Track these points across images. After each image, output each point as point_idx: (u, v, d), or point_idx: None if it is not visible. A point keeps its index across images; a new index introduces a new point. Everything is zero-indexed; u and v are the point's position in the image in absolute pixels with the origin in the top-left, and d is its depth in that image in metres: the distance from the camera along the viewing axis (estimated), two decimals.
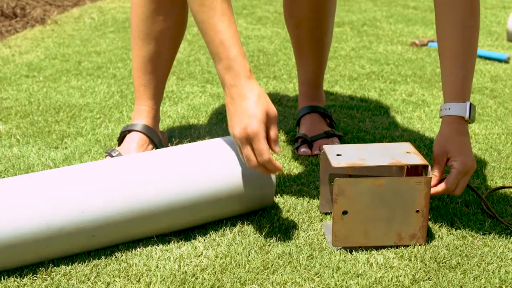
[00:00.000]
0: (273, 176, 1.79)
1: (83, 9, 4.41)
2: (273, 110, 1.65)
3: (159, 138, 2.18)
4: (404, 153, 1.75)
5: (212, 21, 1.66)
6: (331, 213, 1.83)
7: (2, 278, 1.58)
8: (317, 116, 2.33)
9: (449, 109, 1.77)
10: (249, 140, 1.62)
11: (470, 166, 1.74)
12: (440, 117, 1.80)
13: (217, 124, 2.44)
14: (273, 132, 1.66)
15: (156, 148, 2.16)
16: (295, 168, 2.10)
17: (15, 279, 1.58)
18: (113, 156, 2.10)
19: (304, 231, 1.77)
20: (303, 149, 2.22)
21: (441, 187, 1.75)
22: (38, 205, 1.58)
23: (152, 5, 2.08)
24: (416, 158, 1.72)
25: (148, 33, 2.12)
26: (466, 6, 1.77)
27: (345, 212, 1.67)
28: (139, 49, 2.15)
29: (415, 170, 1.77)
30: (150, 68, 2.17)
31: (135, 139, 2.15)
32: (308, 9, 2.23)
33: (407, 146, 1.79)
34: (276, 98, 2.67)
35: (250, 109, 1.62)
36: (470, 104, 1.76)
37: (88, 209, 1.61)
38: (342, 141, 2.31)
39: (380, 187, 1.66)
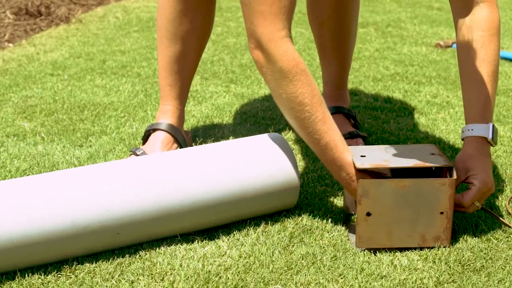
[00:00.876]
0: (298, 177, 1.79)
1: (107, 8, 4.43)
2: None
3: (183, 138, 2.18)
4: (428, 155, 1.74)
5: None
6: (355, 214, 1.83)
7: (26, 275, 1.59)
8: (341, 117, 2.32)
9: (472, 130, 1.76)
10: None
11: (490, 186, 1.73)
12: (462, 139, 1.79)
13: (241, 124, 2.44)
14: None
15: (181, 147, 2.17)
16: (319, 169, 2.09)
17: (39, 276, 1.59)
18: (137, 155, 2.11)
19: (328, 232, 1.76)
20: None
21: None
22: (64, 203, 1.59)
23: (180, 5, 2.09)
24: (440, 160, 1.71)
25: (175, 33, 2.13)
26: (487, 27, 1.77)
27: (369, 214, 1.67)
28: (166, 49, 2.15)
29: (439, 172, 1.76)
30: (176, 68, 2.17)
31: (159, 138, 2.16)
32: (330, 9, 2.23)
33: (432, 148, 1.78)
34: None
35: None
36: (493, 125, 1.75)
37: (113, 208, 1.61)
38: (366, 142, 2.30)
39: (404, 188, 1.66)
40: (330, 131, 1.70)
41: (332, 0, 2.22)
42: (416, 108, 2.65)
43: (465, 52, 1.78)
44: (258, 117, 2.49)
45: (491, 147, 1.88)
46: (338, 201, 1.91)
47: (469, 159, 1.74)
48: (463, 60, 1.79)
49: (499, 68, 1.81)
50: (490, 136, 1.74)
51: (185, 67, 2.18)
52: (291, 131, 2.37)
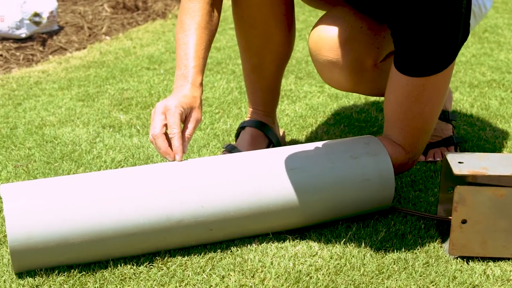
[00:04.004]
0: (393, 180, 1.78)
1: None
2: (197, 114, 1.77)
3: (275, 135, 2.18)
4: None
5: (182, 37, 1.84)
6: (448, 221, 1.80)
7: (119, 265, 1.62)
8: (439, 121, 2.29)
9: None
10: (164, 112, 1.72)
11: None
12: None
13: (335, 125, 2.43)
14: (189, 128, 1.75)
15: (272, 145, 2.17)
16: (413, 174, 2.07)
17: (132, 266, 1.61)
18: (230, 152, 2.12)
19: (420, 238, 1.75)
20: None
21: None
22: (159, 196, 1.61)
23: (250, 20, 2.04)
24: None
25: (248, 48, 2.11)
26: None
27: (464, 221, 1.64)
28: (244, 60, 2.14)
29: None
30: (254, 78, 2.16)
31: (250, 134, 2.17)
32: None
33: None
34: None
35: (182, 94, 1.77)
36: None
37: (207, 203, 1.62)
38: (461, 149, 2.27)
39: (501, 197, 1.63)
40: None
41: None
42: None
43: None
44: (352, 119, 2.48)
45: None
46: (432, 207, 1.89)
47: None
48: None
49: None
50: None
51: (264, 78, 2.16)
52: None
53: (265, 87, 2.17)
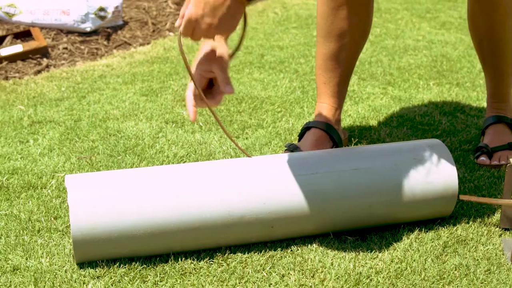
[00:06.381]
0: (457, 185, 1.76)
1: (266, 4, 4.46)
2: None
3: (339, 136, 2.18)
4: None
5: None
6: (511, 229, 1.78)
7: (179, 259, 1.62)
8: (502, 127, 2.26)
9: None
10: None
11: None
12: None
13: (398, 128, 2.41)
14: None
15: (336, 146, 2.16)
16: (476, 179, 2.05)
17: (192, 261, 1.62)
18: (292, 151, 2.11)
19: (482, 245, 1.72)
20: (482, 158, 2.17)
21: None
22: (221, 192, 1.62)
23: (333, 3, 2.08)
24: None
25: (328, 32, 2.12)
26: None
27: None
28: (321, 47, 2.16)
29: None
30: (330, 66, 2.17)
31: (315, 136, 2.16)
32: (486, 28, 2.17)
33: None
34: (458, 106, 2.62)
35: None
36: None
37: (269, 201, 1.63)
38: None
39: None
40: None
41: (488, 19, 2.16)
42: None
43: None
44: (415, 122, 2.46)
45: None
46: (495, 214, 1.86)
47: None
48: None
49: None
50: None
51: (340, 65, 2.17)
52: (449, 138, 2.33)
53: (339, 76, 2.19)
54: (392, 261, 1.64)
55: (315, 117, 2.21)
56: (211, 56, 1.65)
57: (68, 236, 1.73)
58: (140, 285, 1.55)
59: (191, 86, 1.66)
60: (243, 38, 1.64)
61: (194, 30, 1.54)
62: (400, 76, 2.98)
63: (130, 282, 1.55)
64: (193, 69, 1.66)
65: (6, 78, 2.95)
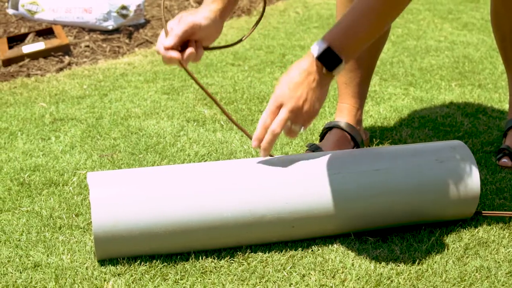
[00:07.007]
0: (479, 187, 1.75)
1: (288, 3, 4.46)
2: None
3: (360, 137, 2.17)
4: None
5: None
6: None
7: (200, 258, 1.63)
8: None
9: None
10: None
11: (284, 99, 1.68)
12: None
13: (419, 128, 2.40)
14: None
15: (357, 147, 2.16)
16: (498, 181, 2.04)
17: (213, 260, 1.62)
18: (314, 151, 2.11)
19: (504, 247, 1.72)
20: (504, 160, 2.16)
21: None
22: (242, 191, 1.62)
23: (350, 2, 2.07)
24: None
25: None
26: None
27: None
28: None
29: None
30: (351, 66, 2.16)
31: (336, 136, 2.16)
32: (509, 25, 2.16)
33: None
34: (480, 107, 2.61)
35: None
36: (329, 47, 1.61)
37: (291, 200, 1.62)
38: None
39: None
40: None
41: (511, 16, 2.15)
42: None
43: None
44: (437, 123, 2.45)
45: None
46: None
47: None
48: None
49: None
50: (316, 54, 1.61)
51: (360, 66, 2.17)
52: (471, 139, 2.32)
53: (360, 77, 2.19)
54: (413, 263, 1.63)
55: (336, 117, 2.21)
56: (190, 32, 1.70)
57: (89, 233, 1.73)
58: (161, 283, 1.55)
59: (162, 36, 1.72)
60: (262, 15, 1.73)
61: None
62: (422, 77, 2.98)
63: (151, 280, 1.55)
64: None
65: (28, 76, 2.97)
